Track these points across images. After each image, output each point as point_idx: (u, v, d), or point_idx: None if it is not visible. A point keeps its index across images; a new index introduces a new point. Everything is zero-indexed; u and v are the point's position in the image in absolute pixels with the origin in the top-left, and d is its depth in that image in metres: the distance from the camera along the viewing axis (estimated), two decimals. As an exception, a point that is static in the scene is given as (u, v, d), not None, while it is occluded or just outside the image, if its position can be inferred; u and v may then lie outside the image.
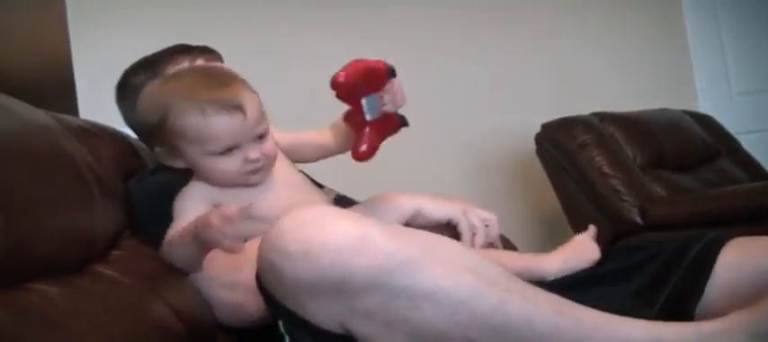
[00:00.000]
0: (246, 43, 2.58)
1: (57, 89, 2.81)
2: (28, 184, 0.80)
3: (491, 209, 2.87)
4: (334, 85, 1.07)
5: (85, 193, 0.96)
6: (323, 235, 0.86)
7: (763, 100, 3.26)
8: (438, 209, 1.20)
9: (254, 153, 1.08)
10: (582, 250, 1.27)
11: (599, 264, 1.22)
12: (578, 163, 2.39)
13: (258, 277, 0.95)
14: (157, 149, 1.12)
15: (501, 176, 2.93)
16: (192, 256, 1.01)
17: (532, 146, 2.56)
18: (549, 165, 2.52)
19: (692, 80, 3.26)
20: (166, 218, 1.11)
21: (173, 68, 1.30)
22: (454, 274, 0.87)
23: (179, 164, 1.12)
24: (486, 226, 1.24)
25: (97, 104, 2.55)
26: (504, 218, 2.81)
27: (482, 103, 2.92)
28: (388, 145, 2.81)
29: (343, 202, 1.38)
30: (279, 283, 0.90)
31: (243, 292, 1.07)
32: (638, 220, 2.28)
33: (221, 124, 1.04)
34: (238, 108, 1.04)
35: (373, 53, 2.80)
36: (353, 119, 1.17)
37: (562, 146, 2.43)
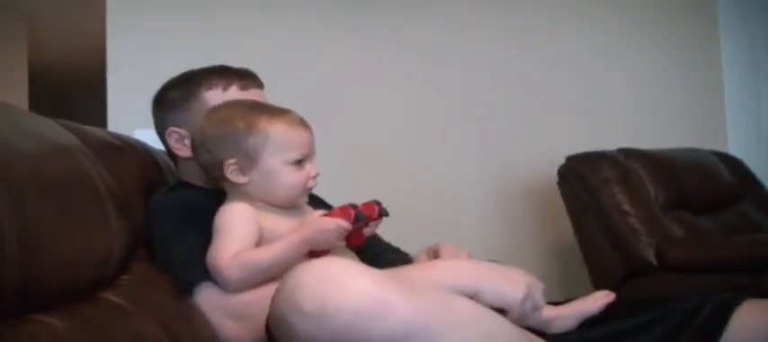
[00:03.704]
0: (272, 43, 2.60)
1: (89, 78, 2.85)
2: (45, 212, 0.82)
3: (505, 234, 2.88)
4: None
5: (102, 217, 0.98)
6: (341, 295, 0.85)
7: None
8: (496, 297, 1.11)
9: (315, 170, 1.20)
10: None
11: (612, 317, 1.22)
12: (599, 199, 2.38)
13: (268, 325, 0.97)
14: (231, 160, 1.17)
15: (519, 203, 2.92)
16: (294, 262, 1.05)
17: (554, 175, 2.56)
18: (570, 197, 2.51)
19: (724, 119, 3.21)
20: (192, 230, 1.18)
21: (206, 90, 1.33)
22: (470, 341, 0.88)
23: (242, 179, 1.17)
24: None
25: (125, 96, 2.60)
26: (518, 245, 2.85)
27: (506, 129, 2.91)
28: (412, 165, 2.81)
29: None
30: (290, 337, 0.91)
31: (250, 326, 1.10)
32: (653, 260, 2.27)
33: (302, 135, 1.19)
34: (309, 127, 1.21)
35: (399, 78, 2.81)
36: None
37: (585, 180, 2.42)
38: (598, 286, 2.46)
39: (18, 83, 4.91)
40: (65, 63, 4.80)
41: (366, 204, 1.19)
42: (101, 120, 2.65)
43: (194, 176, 1.36)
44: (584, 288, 2.51)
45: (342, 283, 0.87)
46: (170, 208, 1.25)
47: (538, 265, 2.80)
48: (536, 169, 2.84)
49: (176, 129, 1.35)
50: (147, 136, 2.62)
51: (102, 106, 2.71)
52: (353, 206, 1.15)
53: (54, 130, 1.05)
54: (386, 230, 1.37)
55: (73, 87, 5.51)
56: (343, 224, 1.12)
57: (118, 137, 1.37)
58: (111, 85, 2.59)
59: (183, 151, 1.35)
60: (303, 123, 1.20)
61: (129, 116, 2.64)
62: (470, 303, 0.98)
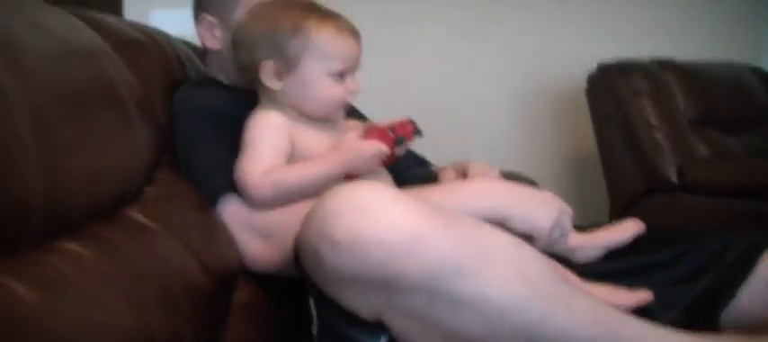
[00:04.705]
0: None
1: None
2: (69, 127, 0.77)
3: (527, 141, 2.86)
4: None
5: (128, 129, 0.94)
6: (374, 229, 0.82)
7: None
8: (526, 224, 1.09)
9: (355, 84, 1.14)
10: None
11: (637, 249, 1.20)
12: (627, 110, 2.33)
13: (296, 251, 0.94)
14: (268, 63, 1.11)
15: (544, 110, 2.87)
16: (329, 184, 1.01)
17: (583, 83, 2.49)
18: (597, 106, 2.46)
19: (763, 33, 3.09)
20: (217, 136, 1.14)
21: None
22: (504, 280, 0.86)
23: (276, 85, 1.12)
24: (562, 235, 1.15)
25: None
26: (537, 153, 2.81)
27: (535, 35, 2.82)
28: (438, 71, 2.75)
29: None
30: (319, 268, 0.88)
31: (276, 246, 1.08)
32: (675, 179, 2.24)
33: (350, 45, 1.12)
34: (359, 36, 1.13)
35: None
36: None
37: (615, 90, 2.36)
38: (614, 200, 2.45)
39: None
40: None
41: (400, 124, 1.15)
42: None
43: (221, 72, 1.31)
44: (599, 204, 2.50)
45: (375, 213, 0.83)
46: (195, 110, 1.19)
47: (554, 175, 2.79)
48: (563, 77, 2.77)
49: (208, 16, 1.28)
50: (165, 17, 2.56)
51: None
52: (392, 130, 1.11)
53: (75, 29, 0.99)
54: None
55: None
56: (384, 148, 1.09)
57: (140, 29, 1.31)
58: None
59: (211, 42, 1.29)
60: (354, 32, 1.12)
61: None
62: (507, 238, 0.94)
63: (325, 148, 1.12)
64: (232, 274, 1.06)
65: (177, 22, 2.61)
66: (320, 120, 1.15)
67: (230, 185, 1.10)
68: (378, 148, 1.09)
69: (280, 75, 1.11)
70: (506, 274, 0.87)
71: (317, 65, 1.10)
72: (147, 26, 1.38)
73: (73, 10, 1.07)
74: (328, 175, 1.08)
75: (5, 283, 0.60)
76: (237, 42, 1.15)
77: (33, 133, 0.69)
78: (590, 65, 2.48)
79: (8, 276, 0.61)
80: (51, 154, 0.71)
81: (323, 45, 1.09)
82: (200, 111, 1.19)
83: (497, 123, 2.81)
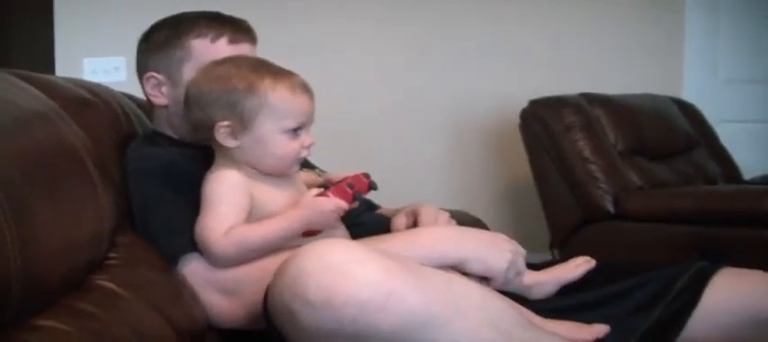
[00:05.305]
0: None
1: (34, 4, 2.69)
2: (41, 200, 0.76)
3: (464, 175, 2.91)
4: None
5: (91, 189, 0.93)
6: (347, 285, 0.84)
7: (749, 90, 3.26)
8: (481, 266, 1.13)
9: (310, 139, 1.14)
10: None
11: (590, 283, 1.24)
12: (560, 145, 2.40)
13: (267, 310, 0.94)
14: (223, 123, 1.10)
15: (479, 144, 2.94)
16: (289, 240, 1.05)
17: (515, 118, 2.56)
18: (531, 141, 2.53)
19: (681, 65, 3.26)
20: (173, 196, 1.13)
21: (194, 37, 1.24)
22: (474, 329, 0.89)
23: (232, 143, 1.11)
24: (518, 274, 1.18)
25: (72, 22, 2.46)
26: (475, 187, 2.87)
27: (468, 71, 2.90)
28: (372, 106, 2.79)
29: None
30: (293, 326, 0.90)
31: (240, 302, 1.08)
32: (611, 209, 2.32)
33: (304, 102, 1.11)
34: (312, 92, 1.13)
35: (359, 21, 2.77)
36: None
37: (548, 125, 2.43)
38: (554, 231, 2.51)
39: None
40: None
41: (356, 177, 1.16)
42: (45, 49, 2.51)
43: (168, 127, 1.29)
44: (538, 233, 2.57)
45: (348, 272, 0.86)
46: (148, 169, 1.18)
47: (494, 207, 2.84)
48: (498, 112, 2.85)
49: (155, 74, 1.26)
50: (98, 65, 2.52)
51: (45, 34, 2.56)
52: (350, 185, 1.12)
53: (21, 90, 0.98)
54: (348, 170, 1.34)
55: (12, 13, 5.13)
56: (343, 205, 1.10)
57: (82, 85, 1.29)
58: (58, 12, 2.45)
59: (159, 99, 1.27)
60: (307, 90, 1.13)
61: (78, 43, 2.53)
62: (476, 289, 0.99)
63: (283, 204, 1.13)
64: (201, 331, 1.06)
65: (110, 71, 2.58)
66: (277, 175, 1.16)
67: (191, 244, 1.09)
68: (337, 204, 1.09)
69: (235, 133, 1.11)
70: (475, 325, 0.91)
71: (273, 123, 1.10)
72: (88, 82, 1.37)
73: (9, 70, 1.05)
74: (289, 230, 1.08)
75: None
76: (191, 101, 1.14)
77: (6, 210, 0.67)
78: (522, 100, 2.55)
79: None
80: (26, 229, 0.70)
81: (277, 103, 1.09)
82: (153, 169, 1.18)
83: (434, 157, 2.86)
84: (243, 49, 1.24)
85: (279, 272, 0.91)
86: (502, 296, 1.02)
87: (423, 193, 1.41)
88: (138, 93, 1.34)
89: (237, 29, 1.26)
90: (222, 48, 1.23)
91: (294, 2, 2.69)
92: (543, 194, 2.55)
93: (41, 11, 2.58)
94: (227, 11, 1.30)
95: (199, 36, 1.24)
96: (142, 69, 1.29)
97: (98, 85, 1.37)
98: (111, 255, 0.99)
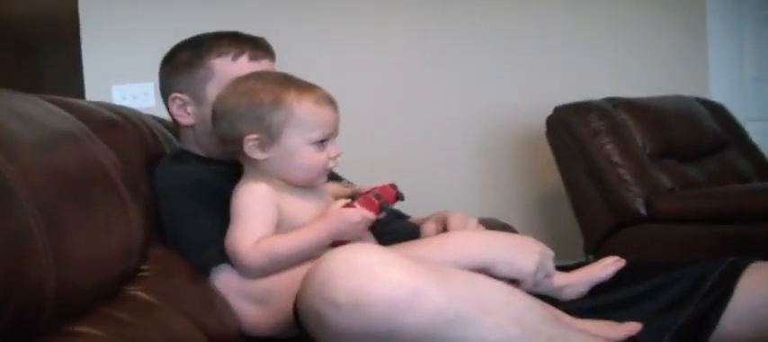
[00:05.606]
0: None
1: (63, 33, 2.76)
2: (70, 212, 0.78)
3: (492, 185, 2.91)
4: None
5: (121, 207, 0.95)
6: (373, 286, 0.86)
7: (776, 87, 3.23)
8: (509, 269, 1.14)
9: (336, 150, 1.16)
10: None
11: (621, 282, 1.24)
12: (588, 150, 2.39)
13: (297, 315, 0.96)
14: (251, 136, 1.12)
15: (506, 153, 2.93)
16: (318, 251, 1.04)
17: (542, 126, 2.55)
18: (558, 148, 2.52)
19: (706, 65, 3.23)
20: (202, 209, 1.16)
21: (215, 56, 1.27)
22: (501, 325, 0.90)
23: (260, 155, 1.13)
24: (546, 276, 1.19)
25: (100, 50, 2.51)
26: (504, 196, 2.87)
27: (493, 80, 2.90)
28: (399, 117, 2.83)
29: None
30: (322, 328, 0.91)
31: (271, 310, 1.10)
32: (643, 211, 2.30)
33: (329, 114, 1.14)
34: (336, 104, 1.16)
35: (386, 30, 2.81)
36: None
37: (574, 131, 2.43)
38: (587, 236, 2.49)
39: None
40: (33, 14, 4.57)
41: (383, 188, 1.17)
42: (75, 77, 2.57)
43: (196, 145, 1.32)
44: (571, 238, 2.55)
45: (374, 274, 0.87)
46: (178, 185, 1.21)
47: (524, 216, 2.83)
48: (523, 120, 2.84)
49: (179, 95, 1.29)
50: (126, 91, 2.58)
51: (75, 63, 2.62)
52: (377, 196, 1.13)
53: (52, 114, 1.00)
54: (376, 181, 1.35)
55: (43, 43, 5.25)
56: (370, 216, 1.11)
57: (110, 108, 1.32)
58: (86, 39, 2.51)
59: (185, 119, 1.30)
60: (331, 102, 1.15)
61: (106, 71, 2.58)
62: (499, 286, 0.99)
63: (310, 215, 1.15)
64: (233, 340, 1.08)
65: (139, 97, 2.64)
66: (304, 186, 1.18)
67: (221, 256, 1.11)
68: (364, 215, 1.11)
69: (263, 146, 1.13)
70: (502, 321, 0.92)
71: (299, 135, 1.12)
72: (116, 105, 1.40)
73: (41, 95, 1.08)
74: (317, 241, 1.10)
75: (30, 371, 0.60)
76: (219, 116, 1.17)
77: (40, 224, 0.70)
78: (547, 108, 2.55)
79: (31, 364, 0.61)
80: (59, 242, 0.72)
81: (303, 116, 1.12)
82: (183, 185, 1.21)
83: (462, 169, 2.86)
84: (263, 65, 1.27)
85: (307, 276, 0.93)
86: (526, 294, 1.02)
87: (451, 204, 1.41)
88: (167, 116, 1.37)
89: (256, 46, 1.29)
90: (244, 65, 1.26)
91: (321, 18, 2.72)
92: (574, 200, 2.54)
93: (69, 40, 2.65)
94: (251, 31, 1.33)
95: (220, 55, 1.27)
96: (166, 91, 1.32)
97: (126, 108, 1.41)
98: (144, 266, 1.01)
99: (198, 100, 1.27)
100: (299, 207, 1.15)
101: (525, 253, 1.16)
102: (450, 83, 2.86)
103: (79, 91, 2.49)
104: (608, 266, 1.26)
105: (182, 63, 1.29)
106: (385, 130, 2.72)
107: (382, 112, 2.75)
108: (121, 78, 2.56)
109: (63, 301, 0.71)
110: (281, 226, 1.13)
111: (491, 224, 1.47)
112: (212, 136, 1.21)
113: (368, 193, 1.16)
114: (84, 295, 0.77)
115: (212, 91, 1.23)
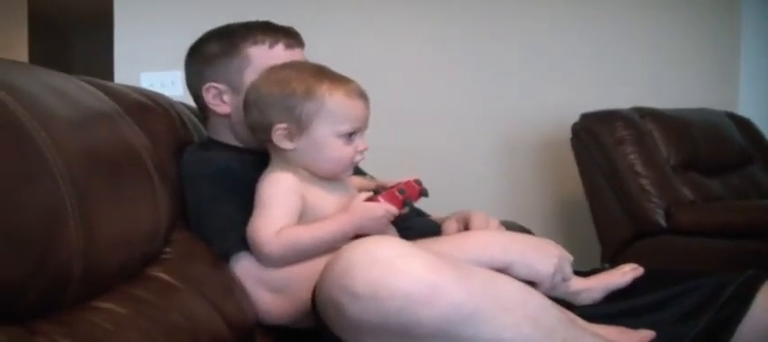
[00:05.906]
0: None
1: (92, 18, 2.80)
2: (101, 189, 0.80)
3: (514, 189, 2.91)
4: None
5: (150, 189, 0.97)
6: (393, 279, 0.87)
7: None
8: (527, 270, 1.14)
9: (364, 144, 1.17)
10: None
11: (637, 290, 1.24)
12: (612, 158, 2.39)
13: (315, 304, 0.97)
14: (281, 125, 1.14)
15: (529, 158, 2.93)
16: (339, 244, 1.04)
17: (567, 132, 2.55)
18: (582, 155, 2.51)
19: (737, 80, 3.20)
20: (227, 196, 1.17)
21: (251, 45, 1.28)
22: (517, 324, 0.91)
23: (288, 145, 1.14)
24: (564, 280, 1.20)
25: (132, 39, 2.54)
26: (526, 201, 2.87)
27: (520, 85, 2.90)
28: (424, 120, 2.83)
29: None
30: (339, 318, 0.92)
31: (289, 299, 1.11)
32: (663, 223, 2.29)
33: (360, 108, 1.15)
34: (367, 98, 1.16)
35: (413, 33, 2.82)
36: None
37: (599, 139, 2.42)
38: (605, 245, 2.49)
39: (17, 20, 4.77)
40: (66, 2, 4.64)
41: (407, 184, 1.18)
42: (105, 63, 2.61)
43: (226, 134, 1.33)
44: (589, 246, 2.54)
45: (394, 266, 0.88)
46: (204, 172, 1.22)
47: (543, 221, 2.83)
48: (549, 125, 2.84)
49: (215, 84, 1.29)
50: (155, 79, 2.61)
51: (105, 48, 2.65)
52: (401, 191, 1.15)
53: (88, 94, 1.02)
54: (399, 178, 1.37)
55: (74, 28, 5.33)
56: (393, 210, 1.12)
57: (144, 93, 1.34)
58: (118, 28, 2.54)
59: (221, 108, 1.30)
60: (363, 95, 1.16)
61: (136, 58, 2.61)
62: (517, 285, 1.00)
63: (334, 207, 1.16)
64: (251, 326, 1.09)
65: (167, 85, 2.67)
66: (330, 179, 1.19)
67: (242, 243, 1.13)
68: (387, 209, 1.12)
69: (292, 136, 1.14)
70: (517, 320, 0.92)
71: (329, 127, 1.13)
72: (147, 90, 1.41)
73: (78, 76, 1.10)
74: (339, 234, 1.11)
75: (56, 340, 0.62)
76: (250, 103, 1.18)
77: (73, 198, 0.72)
78: (573, 115, 2.54)
79: (57, 334, 0.63)
80: (88, 219, 0.74)
81: (334, 108, 1.12)
82: (209, 172, 1.22)
83: (486, 172, 2.86)
84: (297, 53, 1.29)
85: (327, 266, 0.94)
86: (542, 295, 1.03)
87: (472, 204, 1.42)
88: (194, 105, 1.38)
89: (290, 35, 1.30)
90: (279, 53, 1.27)
91: (350, 15, 2.73)
92: (594, 208, 2.53)
93: (101, 27, 2.69)
94: (280, 21, 1.35)
95: (256, 43, 1.28)
96: (197, 82, 1.32)
97: (156, 93, 1.42)
98: (167, 249, 1.03)
99: (235, 88, 1.28)
100: (324, 199, 1.16)
101: (544, 255, 1.16)
102: (478, 84, 2.86)
103: (108, 77, 2.53)
104: (625, 274, 1.26)
105: (214, 53, 1.30)
106: (410, 129, 2.73)
107: (408, 109, 2.76)
108: (150, 66, 2.59)
109: (89, 276, 0.73)
110: (304, 216, 1.14)
111: (510, 226, 1.47)
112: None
113: (392, 187, 1.17)
114: (108, 273, 0.79)
115: (249, 79, 1.23)
